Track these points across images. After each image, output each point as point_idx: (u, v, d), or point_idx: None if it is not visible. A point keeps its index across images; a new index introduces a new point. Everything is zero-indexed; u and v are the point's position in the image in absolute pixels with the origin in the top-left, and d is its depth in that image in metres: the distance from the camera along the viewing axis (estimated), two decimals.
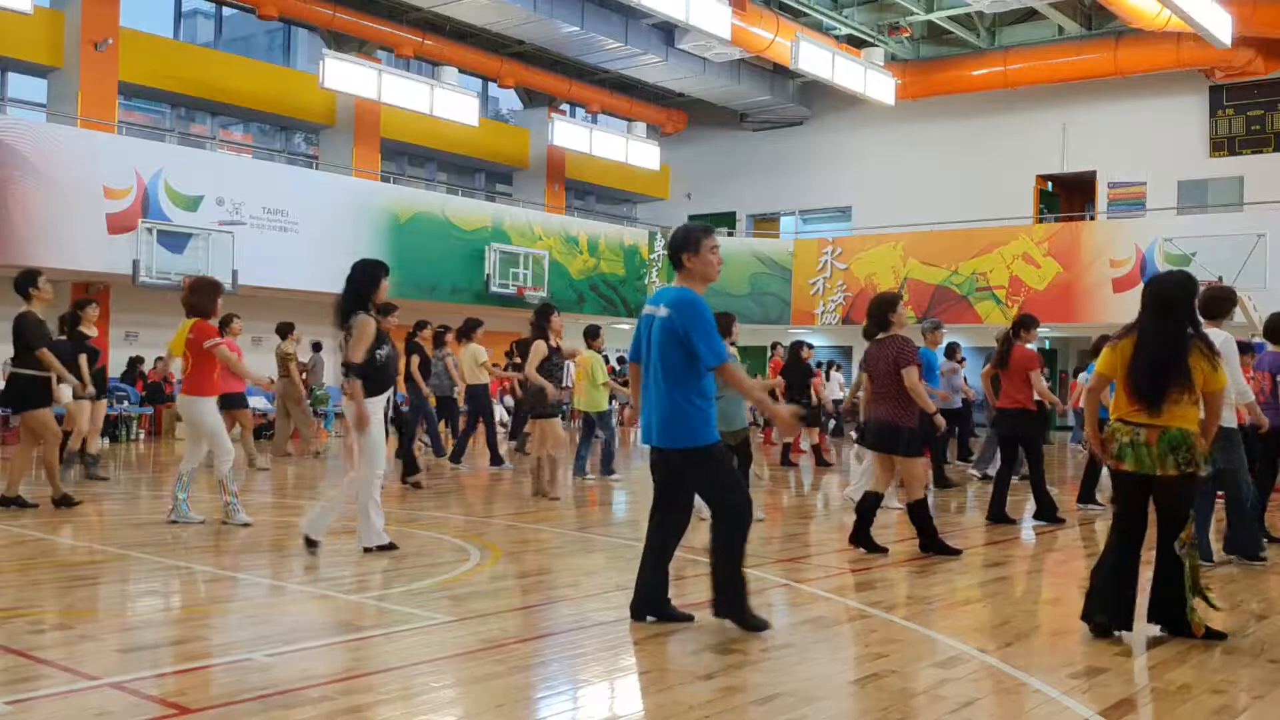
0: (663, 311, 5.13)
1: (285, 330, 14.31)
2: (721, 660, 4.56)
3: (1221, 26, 19.16)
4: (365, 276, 6.88)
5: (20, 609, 5.25)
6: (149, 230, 17.10)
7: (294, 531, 7.94)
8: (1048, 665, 4.63)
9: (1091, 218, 24.37)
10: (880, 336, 7.55)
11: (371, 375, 6.85)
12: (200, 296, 8.06)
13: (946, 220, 24.53)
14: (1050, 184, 26.08)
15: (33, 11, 16.62)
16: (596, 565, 6.96)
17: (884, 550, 7.39)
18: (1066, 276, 22.87)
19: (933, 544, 7.39)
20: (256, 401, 18.14)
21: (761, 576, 6.50)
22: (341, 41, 22.01)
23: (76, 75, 18.52)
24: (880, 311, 7.58)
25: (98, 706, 3.77)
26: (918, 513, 7.40)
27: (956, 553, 7.34)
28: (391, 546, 6.96)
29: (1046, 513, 9.27)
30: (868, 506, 7.46)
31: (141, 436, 17.31)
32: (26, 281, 8.66)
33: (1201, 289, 5.70)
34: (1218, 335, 6.53)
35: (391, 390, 7.18)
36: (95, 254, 16.68)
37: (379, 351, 6.90)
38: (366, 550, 6.88)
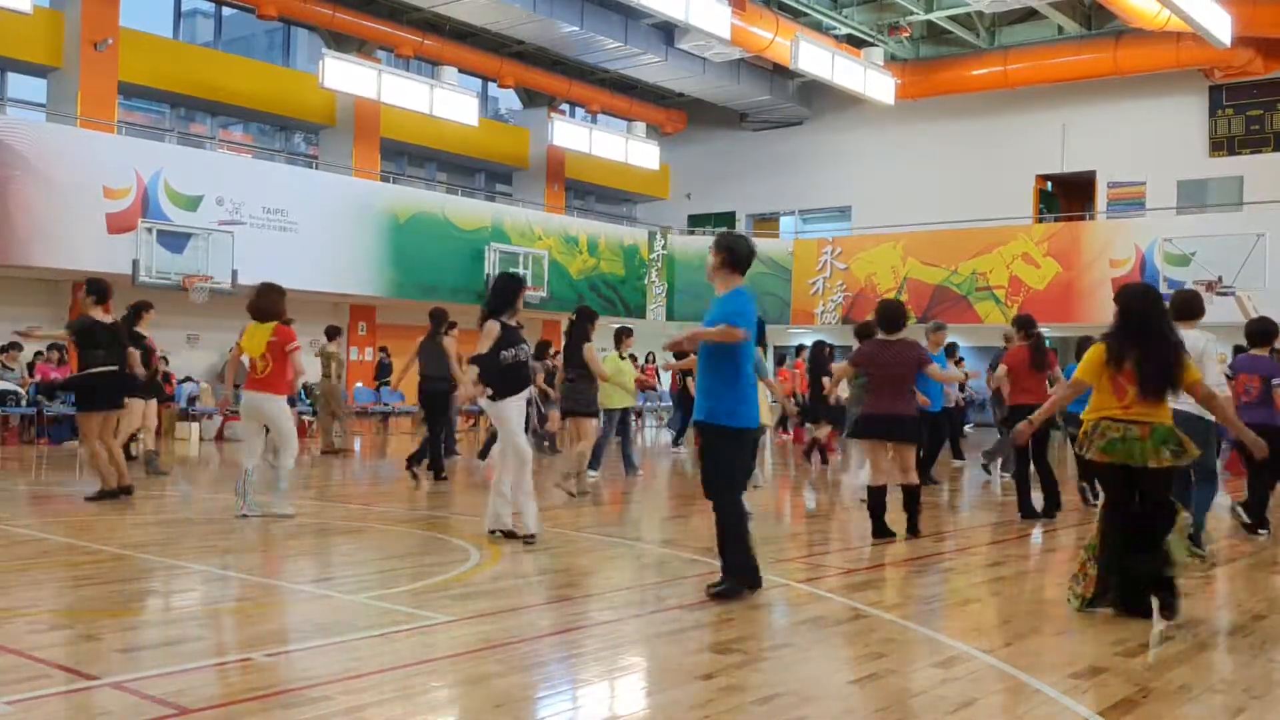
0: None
1: (333, 333, 15.24)
2: (721, 660, 4.56)
3: (1221, 26, 19.16)
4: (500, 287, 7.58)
5: (20, 609, 5.25)
6: (149, 230, 17.09)
7: (292, 531, 7.94)
8: (1048, 665, 4.63)
9: (1091, 217, 24.37)
10: (885, 338, 8.05)
11: (500, 377, 7.30)
12: (271, 300, 8.55)
13: (946, 220, 24.53)
14: (1050, 184, 26.08)
15: (33, 11, 16.61)
16: (596, 565, 6.96)
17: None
18: (1066, 276, 22.87)
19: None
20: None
21: (761, 576, 6.49)
22: (341, 41, 22.01)
23: (76, 75, 18.51)
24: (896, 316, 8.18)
25: (98, 706, 3.77)
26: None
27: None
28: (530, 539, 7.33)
29: (1025, 509, 9.42)
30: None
31: (141, 437, 17.26)
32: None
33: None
34: (1200, 336, 7.01)
35: (528, 391, 7.64)
36: (95, 254, 16.66)
37: (504, 353, 7.30)
38: (527, 540, 7.29)
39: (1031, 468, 9.53)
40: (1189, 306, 7.27)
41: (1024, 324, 9.87)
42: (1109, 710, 4.03)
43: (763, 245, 27.03)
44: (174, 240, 17.42)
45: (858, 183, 27.23)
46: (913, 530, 7.98)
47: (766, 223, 29.52)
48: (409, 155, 25.21)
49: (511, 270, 7.98)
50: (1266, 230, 19.55)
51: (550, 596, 6.00)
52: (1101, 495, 5.79)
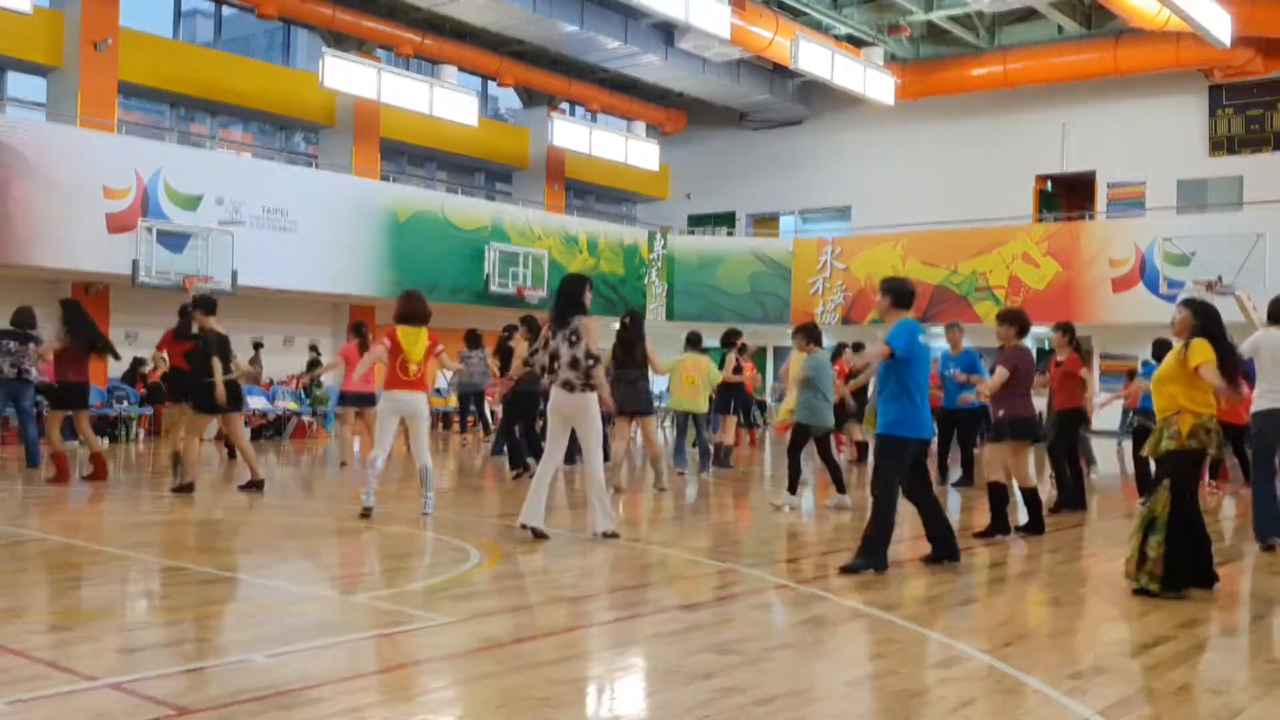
0: None
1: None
2: (721, 660, 4.56)
3: (1221, 26, 19.16)
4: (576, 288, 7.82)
5: (20, 609, 5.25)
6: (148, 230, 17.08)
7: (293, 531, 7.95)
8: (1048, 665, 4.63)
9: (1091, 217, 24.37)
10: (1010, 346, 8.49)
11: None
12: (424, 304, 8.80)
13: (946, 220, 24.53)
14: (1050, 183, 26.08)
15: (32, 11, 16.61)
16: (596, 565, 6.96)
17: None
18: (1066, 276, 22.88)
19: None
20: (257, 402, 18.13)
21: (761, 576, 6.50)
22: (341, 41, 22.01)
23: (76, 75, 18.51)
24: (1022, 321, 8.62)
25: (97, 706, 3.77)
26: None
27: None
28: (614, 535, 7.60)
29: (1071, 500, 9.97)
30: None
31: (141, 436, 17.29)
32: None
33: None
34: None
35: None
36: (95, 254, 16.67)
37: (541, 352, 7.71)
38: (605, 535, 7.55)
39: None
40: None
41: (1068, 330, 10.13)
42: (1109, 710, 4.03)
43: (762, 245, 27.07)
44: (174, 240, 17.41)
45: (858, 183, 27.23)
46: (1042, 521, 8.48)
47: (766, 222, 29.52)
48: (409, 155, 25.21)
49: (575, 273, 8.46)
50: (1266, 230, 19.56)
51: (550, 596, 6.00)
52: (1168, 483, 6.16)
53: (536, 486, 7.55)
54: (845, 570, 6.53)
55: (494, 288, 22.00)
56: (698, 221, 29.37)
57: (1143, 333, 16.68)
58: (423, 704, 3.96)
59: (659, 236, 26.38)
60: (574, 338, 7.56)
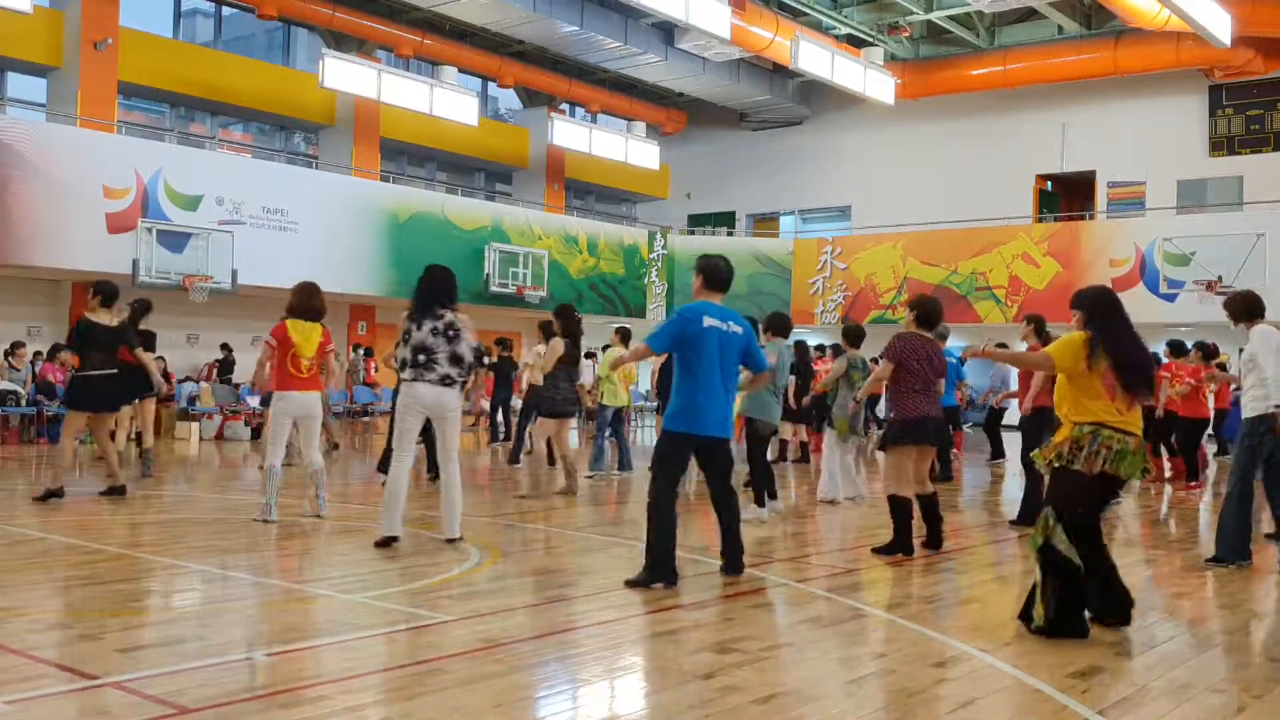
0: (736, 328, 6.37)
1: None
2: (721, 660, 4.56)
3: (1221, 26, 19.16)
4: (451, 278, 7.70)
5: (20, 609, 5.25)
6: (149, 230, 17.10)
7: (292, 531, 7.94)
8: (1047, 665, 4.63)
9: (1091, 217, 24.38)
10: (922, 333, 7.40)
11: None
12: (321, 300, 8.65)
13: (946, 220, 24.53)
14: (1050, 183, 26.09)
15: (32, 11, 16.62)
16: (596, 565, 6.96)
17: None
18: (1066, 276, 22.86)
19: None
20: (256, 401, 18.13)
21: (761, 576, 6.50)
22: (341, 41, 22.01)
23: (76, 75, 18.52)
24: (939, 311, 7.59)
25: (98, 706, 3.77)
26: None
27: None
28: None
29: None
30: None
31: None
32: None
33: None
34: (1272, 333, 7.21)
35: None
36: (95, 253, 16.67)
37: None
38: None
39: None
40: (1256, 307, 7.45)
41: (1034, 320, 9.69)
42: (1109, 710, 4.03)
43: (762, 245, 27.06)
44: (174, 240, 17.42)
45: (857, 182, 27.24)
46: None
47: (766, 222, 29.53)
48: (409, 155, 25.21)
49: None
50: (1266, 230, 19.57)
51: (550, 596, 5.99)
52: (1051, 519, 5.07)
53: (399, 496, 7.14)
54: (630, 584, 5.90)
55: (494, 288, 22.01)
56: (698, 221, 29.38)
57: (1143, 332, 16.67)
58: (422, 704, 3.96)
59: (659, 236, 26.39)
60: (451, 332, 7.22)
